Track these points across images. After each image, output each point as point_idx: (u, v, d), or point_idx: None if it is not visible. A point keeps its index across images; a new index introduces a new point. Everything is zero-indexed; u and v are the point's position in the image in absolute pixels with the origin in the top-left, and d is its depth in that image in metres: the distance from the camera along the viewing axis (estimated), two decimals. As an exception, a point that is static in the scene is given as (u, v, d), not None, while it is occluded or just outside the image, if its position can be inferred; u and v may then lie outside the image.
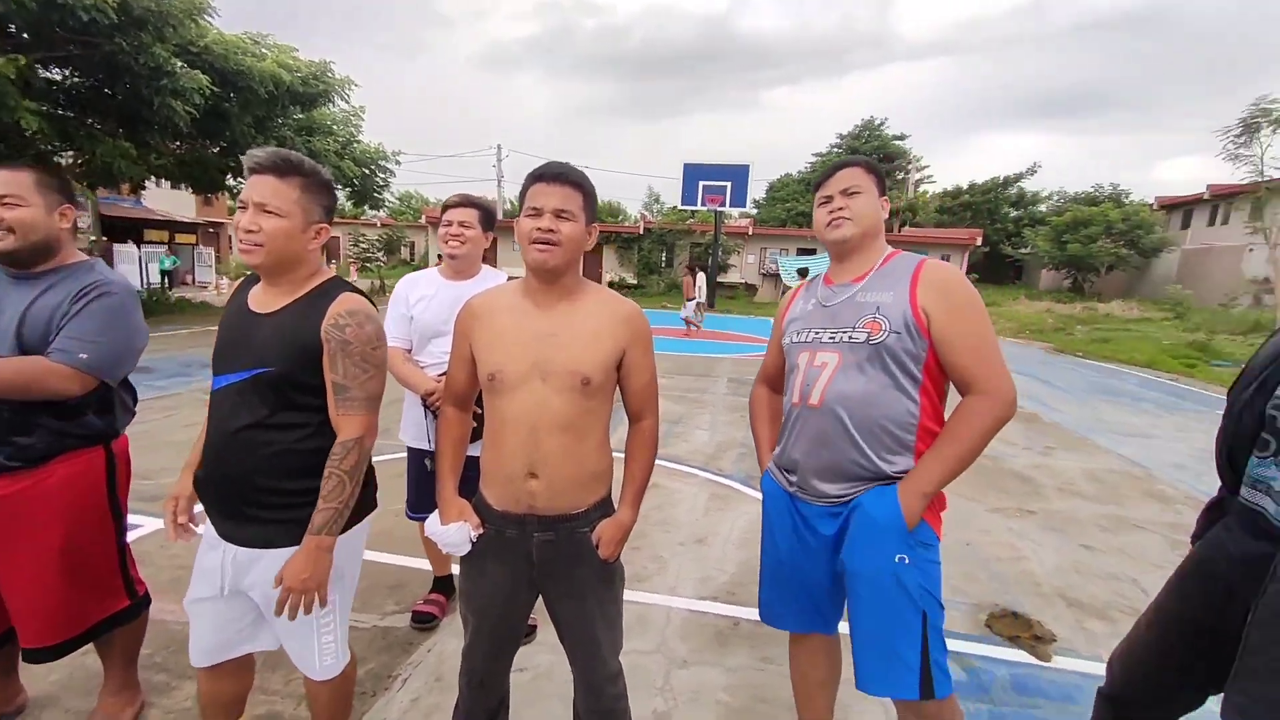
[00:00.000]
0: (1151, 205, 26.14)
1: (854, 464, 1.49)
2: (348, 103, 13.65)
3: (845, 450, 1.49)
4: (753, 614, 2.63)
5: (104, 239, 19.80)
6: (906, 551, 1.43)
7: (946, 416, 1.50)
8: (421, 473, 2.35)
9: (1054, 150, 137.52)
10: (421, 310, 2.21)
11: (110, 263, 18.13)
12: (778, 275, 23.49)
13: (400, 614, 2.55)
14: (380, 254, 25.46)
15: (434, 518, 1.53)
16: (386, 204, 21.49)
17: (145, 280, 18.70)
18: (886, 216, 1.63)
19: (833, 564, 1.55)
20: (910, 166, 39.32)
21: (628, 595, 1.69)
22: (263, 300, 1.44)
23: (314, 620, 1.46)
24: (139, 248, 20.35)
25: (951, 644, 2.11)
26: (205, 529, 1.49)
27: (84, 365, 1.52)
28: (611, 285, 21.21)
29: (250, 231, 1.36)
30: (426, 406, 2.18)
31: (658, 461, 2.15)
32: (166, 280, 19.87)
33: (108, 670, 1.89)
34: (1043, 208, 32.56)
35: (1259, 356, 1.30)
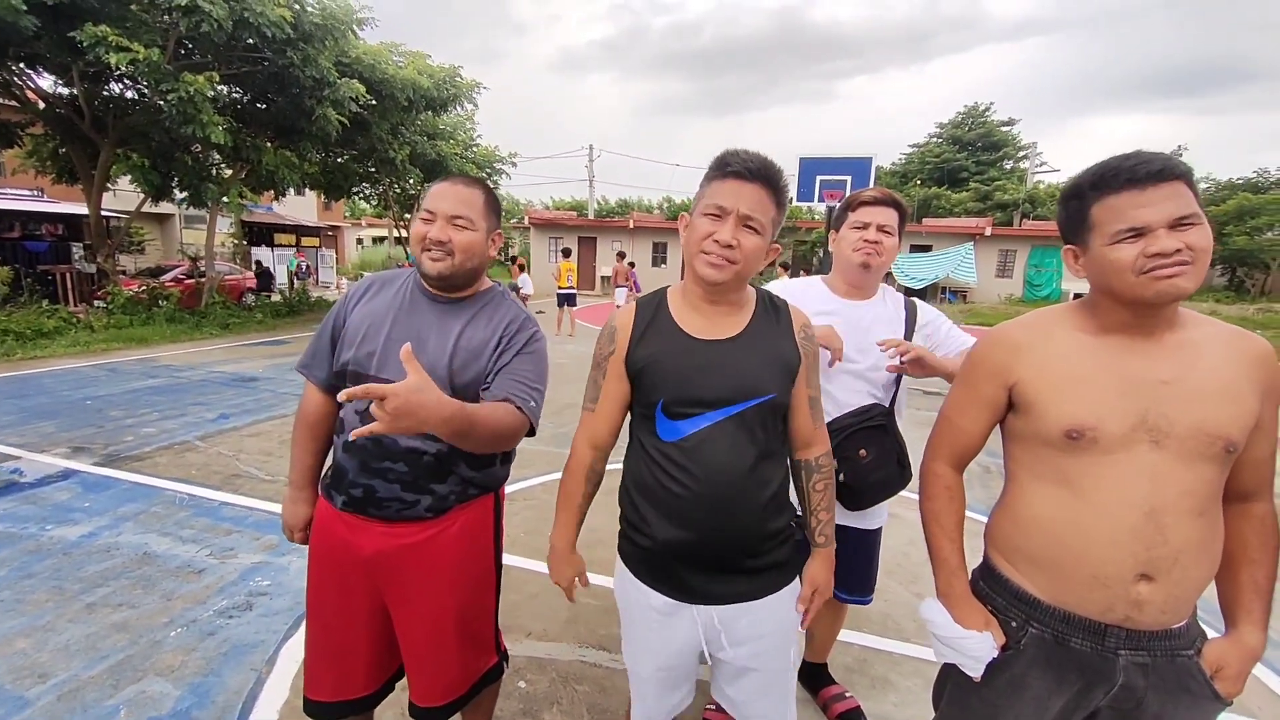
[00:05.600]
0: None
1: None
2: (476, 106, 13.89)
3: None
4: None
5: (244, 242, 21.42)
6: None
7: None
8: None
9: (1179, 133, 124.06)
10: None
11: (249, 264, 19.68)
12: (890, 275, 22.26)
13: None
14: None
15: (942, 613, 1.21)
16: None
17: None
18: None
19: None
20: (1024, 154, 36.28)
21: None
22: (704, 325, 1.28)
23: (789, 668, 1.37)
24: (272, 250, 21.89)
25: None
26: (638, 595, 1.32)
27: (534, 415, 1.37)
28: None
29: (730, 246, 1.19)
30: None
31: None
32: (294, 280, 21.26)
33: None
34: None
35: None
